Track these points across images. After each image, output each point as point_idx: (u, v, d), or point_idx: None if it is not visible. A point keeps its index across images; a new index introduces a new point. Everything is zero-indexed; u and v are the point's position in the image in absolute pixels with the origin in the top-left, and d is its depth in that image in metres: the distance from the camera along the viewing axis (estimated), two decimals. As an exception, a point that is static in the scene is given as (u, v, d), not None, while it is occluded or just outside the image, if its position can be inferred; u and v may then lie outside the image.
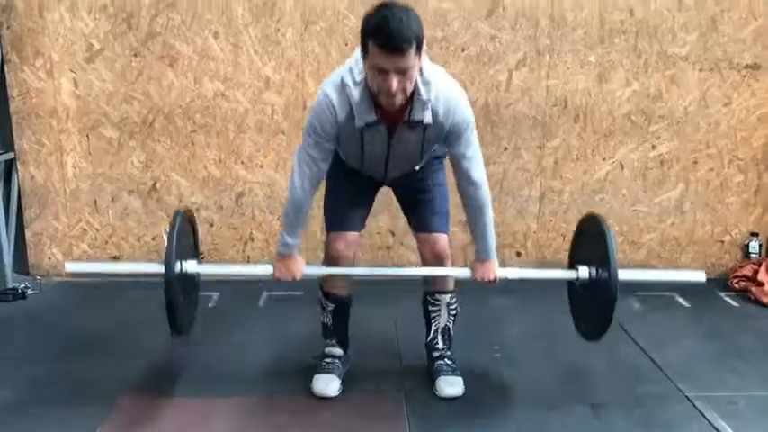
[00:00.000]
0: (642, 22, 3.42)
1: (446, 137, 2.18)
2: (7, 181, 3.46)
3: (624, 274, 2.23)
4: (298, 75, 3.42)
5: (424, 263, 2.48)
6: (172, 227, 2.23)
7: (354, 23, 3.34)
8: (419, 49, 1.92)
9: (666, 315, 3.27)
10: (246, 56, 3.40)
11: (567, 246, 3.61)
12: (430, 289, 2.54)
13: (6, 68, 3.35)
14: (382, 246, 3.65)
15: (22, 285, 3.37)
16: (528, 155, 3.58)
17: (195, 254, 2.48)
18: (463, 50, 3.42)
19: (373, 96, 2.05)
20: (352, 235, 2.44)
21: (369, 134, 2.15)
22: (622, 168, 3.62)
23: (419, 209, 2.46)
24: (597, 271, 2.34)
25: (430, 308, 2.55)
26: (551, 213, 3.67)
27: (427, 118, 2.09)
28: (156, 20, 3.33)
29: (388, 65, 1.90)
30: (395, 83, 1.92)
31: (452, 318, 2.55)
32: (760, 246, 3.71)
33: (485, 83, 3.47)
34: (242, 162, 3.53)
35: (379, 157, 2.27)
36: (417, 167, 2.37)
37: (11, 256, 3.43)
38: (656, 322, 3.18)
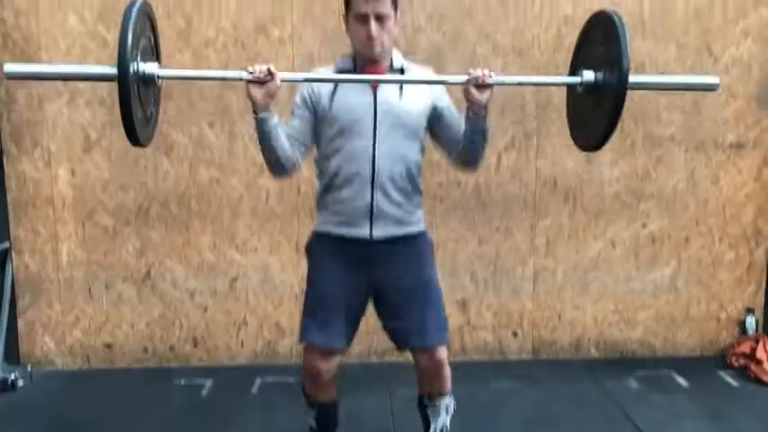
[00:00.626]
0: (627, 105, 3.49)
1: (438, 107, 2.26)
2: (1, 270, 3.46)
3: (635, 78, 2.10)
4: (291, 160, 3.49)
5: (421, 374, 2.34)
6: (125, 19, 1.94)
7: (346, 111, 3.44)
8: (395, 3, 2.17)
9: (665, 395, 3.23)
10: (242, 143, 3.47)
11: (564, 326, 3.69)
12: (427, 391, 2.40)
13: (5, 159, 3.41)
14: (377, 329, 3.62)
15: (12, 376, 3.32)
16: (520, 235, 3.61)
17: (155, 55, 2.24)
18: (453, 135, 3.50)
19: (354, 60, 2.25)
20: (334, 353, 2.27)
21: (351, 94, 2.20)
22: (614, 247, 3.65)
23: (414, 315, 2.25)
24: (604, 74, 2.14)
25: (428, 411, 2.43)
26: (546, 292, 3.67)
27: (406, 67, 2.26)
28: (152, 110, 3.41)
29: (367, 8, 2.12)
30: (374, 27, 2.13)
31: (450, 415, 2.46)
32: (756, 322, 3.70)
33: (475, 165, 3.53)
34: (236, 246, 3.55)
35: (366, 132, 2.19)
36: (409, 214, 2.29)
37: (2, 346, 3.40)
38: (655, 403, 3.14)
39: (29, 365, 3.48)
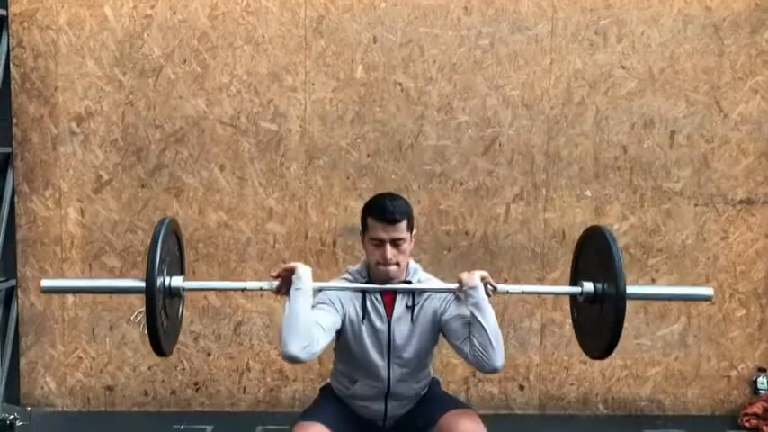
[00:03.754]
0: (636, 158, 3.52)
1: (442, 309, 2.31)
2: (6, 308, 3.46)
3: (632, 289, 2.18)
4: (300, 206, 3.50)
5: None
6: (155, 236, 2.09)
7: (356, 158, 3.47)
8: (411, 226, 2.28)
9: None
10: (251, 188, 3.49)
11: (572, 379, 3.63)
12: None
13: (17, 198, 3.44)
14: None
15: (11, 416, 3.28)
16: (532, 294, 3.57)
17: (180, 269, 2.36)
18: (461, 184, 3.51)
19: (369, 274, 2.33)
20: None
21: (367, 322, 2.30)
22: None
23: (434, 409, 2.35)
24: (603, 285, 2.25)
25: None
26: (553, 346, 3.62)
27: (416, 282, 2.34)
28: (164, 153, 3.45)
29: (384, 235, 2.22)
30: (390, 252, 2.22)
31: None
32: (768, 382, 3.63)
33: (483, 215, 3.53)
34: (242, 291, 3.54)
35: (381, 350, 2.30)
36: (422, 386, 2.39)
37: (3, 385, 3.37)
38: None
39: (28, 406, 3.44)
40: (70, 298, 3.50)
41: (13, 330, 3.46)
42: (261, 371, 3.58)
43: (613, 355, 3.53)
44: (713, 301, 3.61)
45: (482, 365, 2.19)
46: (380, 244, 2.23)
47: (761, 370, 3.64)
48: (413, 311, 2.31)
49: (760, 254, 3.61)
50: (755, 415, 3.48)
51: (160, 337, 2.09)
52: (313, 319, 2.15)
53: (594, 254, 2.34)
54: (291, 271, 2.19)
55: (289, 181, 3.49)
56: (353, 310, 2.30)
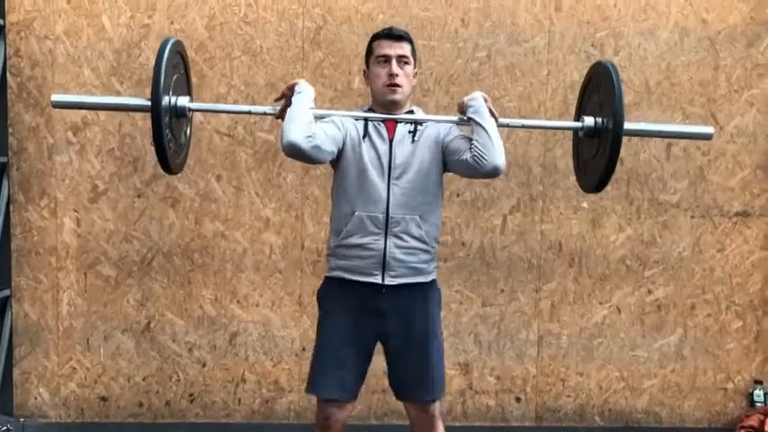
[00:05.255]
0: (632, 170, 3.53)
1: (445, 132, 2.36)
2: (0, 318, 3.43)
3: (630, 124, 2.25)
4: (297, 216, 3.49)
5: (414, 427, 2.41)
6: (160, 53, 2.13)
7: (353, 169, 3.47)
8: (413, 52, 2.37)
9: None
10: (248, 198, 3.48)
11: (568, 391, 3.62)
12: None
13: (12, 208, 3.42)
14: (377, 389, 3.56)
15: (5, 428, 3.26)
16: (524, 297, 3.58)
17: (187, 89, 2.41)
18: (458, 195, 3.51)
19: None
20: (347, 403, 2.37)
21: (368, 141, 2.32)
22: (619, 312, 3.60)
23: (413, 370, 2.36)
24: (603, 120, 2.30)
25: None
26: (550, 357, 3.61)
27: (420, 115, 2.41)
28: (161, 163, 3.44)
29: (390, 51, 2.30)
30: (396, 66, 2.29)
31: None
32: (765, 394, 3.62)
33: (480, 226, 3.53)
34: (238, 301, 3.52)
35: (380, 170, 2.29)
36: (424, 238, 2.34)
37: (-5, 397, 3.35)
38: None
39: (21, 417, 3.42)
40: (65, 308, 3.48)
41: (7, 340, 3.44)
42: (256, 382, 3.56)
43: (610, 367, 3.60)
44: (710, 314, 3.62)
45: (481, 164, 2.20)
46: (386, 61, 2.30)
47: (757, 382, 3.64)
48: (414, 134, 2.34)
49: (756, 266, 3.62)
50: (752, 428, 3.47)
51: (167, 154, 2.17)
52: (314, 121, 2.21)
53: (597, 90, 2.37)
54: (293, 87, 2.26)
55: (285, 191, 3.49)
56: (355, 131, 2.33)
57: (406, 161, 2.31)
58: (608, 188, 3.48)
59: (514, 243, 3.55)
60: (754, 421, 3.48)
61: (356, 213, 2.29)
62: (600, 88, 2.36)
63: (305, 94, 2.24)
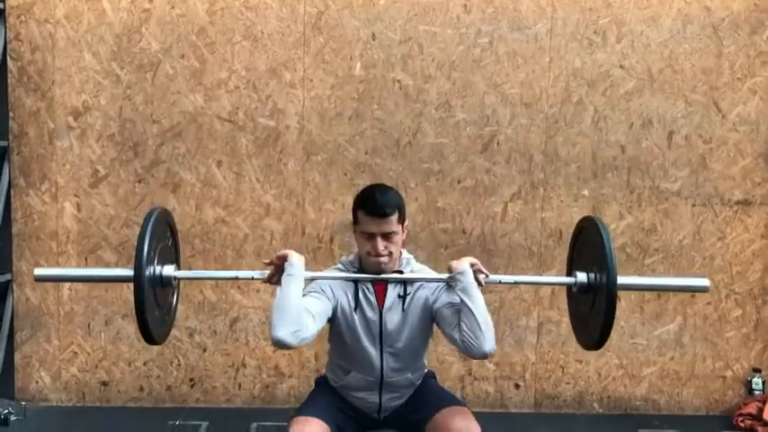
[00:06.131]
0: (633, 158, 3.52)
1: (434, 298, 2.30)
2: (2, 302, 3.44)
3: (623, 279, 2.18)
4: (298, 202, 3.49)
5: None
6: (144, 224, 2.09)
7: (354, 155, 3.46)
8: (402, 218, 2.26)
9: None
10: (248, 184, 3.48)
11: (567, 378, 3.64)
12: None
13: (13, 192, 3.42)
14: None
15: (5, 411, 3.27)
16: (525, 285, 3.58)
17: (174, 258, 2.34)
18: (459, 182, 3.51)
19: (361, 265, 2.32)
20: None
21: (359, 311, 2.29)
22: (619, 300, 3.61)
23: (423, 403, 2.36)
24: (595, 276, 2.24)
25: None
26: (550, 344, 3.62)
27: (408, 272, 2.33)
28: (161, 148, 3.44)
29: (374, 229, 2.21)
30: (381, 244, 2.21)
31: None
32: (763, 382, 3.63)
33: (480, 213, 3.53)
34: (238, 287, 3.53)
35: (373, 339, 2.30)
36: (416, 377, 2.39)
37: (-3, 380, 3.37)
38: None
39: (23, 401, 3.43)
40: (66, 292, 3.49)
41: (8, 325, 3.45)
42: (257, 367, 3.57)
43: (609, 354, 3.60)
44: (709, 302, 3.62)
45: (471, 350, 2.17)
46: (371, 237, 2.22)
47: (756, 370, 3.65)
48: (404, 301, 2.30)
49: (756, 254, 3.62)
50: (750, 415, 3.49)
51: (149, 324, 2.08)
52: (303, 305, 2.14)
53: (588, 245, 2.33)
54: (284, 259, 2.19)
55: (286, 177, 3.48)
56: (346, 299, 2.29)
57: (397, 329, 2.30)
58: (609, 175, 3.53)
59: (515, 230, 3.55)
60: (752, 409, 3.49)
61: (352, 373, 2.35)
62: (589, 243, 2.33)
63: (295, 278, 2.16)
